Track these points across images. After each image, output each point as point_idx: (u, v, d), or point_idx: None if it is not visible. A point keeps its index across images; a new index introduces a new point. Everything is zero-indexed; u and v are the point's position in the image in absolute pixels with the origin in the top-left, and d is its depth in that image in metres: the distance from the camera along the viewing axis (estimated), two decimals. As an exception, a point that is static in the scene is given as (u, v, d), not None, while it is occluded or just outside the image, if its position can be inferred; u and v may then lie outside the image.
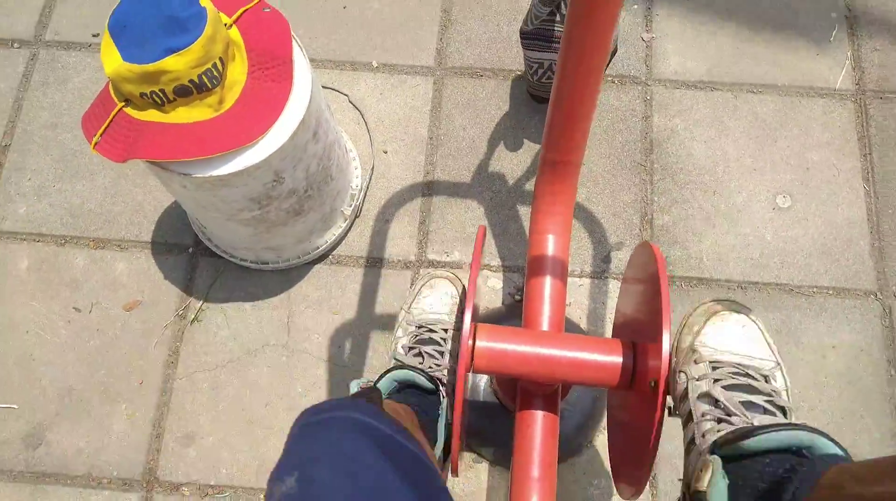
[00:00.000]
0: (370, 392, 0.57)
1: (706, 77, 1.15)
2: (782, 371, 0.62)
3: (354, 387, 0.71)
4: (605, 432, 0.93)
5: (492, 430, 0.91)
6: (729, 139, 1.11)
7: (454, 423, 0.63)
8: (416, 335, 0.79)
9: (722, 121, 1.12)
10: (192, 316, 1.03)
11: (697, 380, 0.58)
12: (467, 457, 0.96)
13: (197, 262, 1.07)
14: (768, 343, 0.65)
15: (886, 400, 0.96)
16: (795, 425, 0.51)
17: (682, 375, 0.60)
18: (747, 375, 0.59)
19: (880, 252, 1.03)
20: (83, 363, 1.02)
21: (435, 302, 0.84)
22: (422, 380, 0.71)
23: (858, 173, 1.08)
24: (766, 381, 0.60)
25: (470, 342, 0.64)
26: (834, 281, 1.02)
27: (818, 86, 1.14)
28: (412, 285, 0.96)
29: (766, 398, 0.57)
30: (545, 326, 0.77)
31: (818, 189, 1.07)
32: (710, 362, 0.59)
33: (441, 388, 0.73)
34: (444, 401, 0.72)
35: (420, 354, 0.76)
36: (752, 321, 0.66)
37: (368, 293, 1.04)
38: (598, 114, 1.13)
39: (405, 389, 0.74)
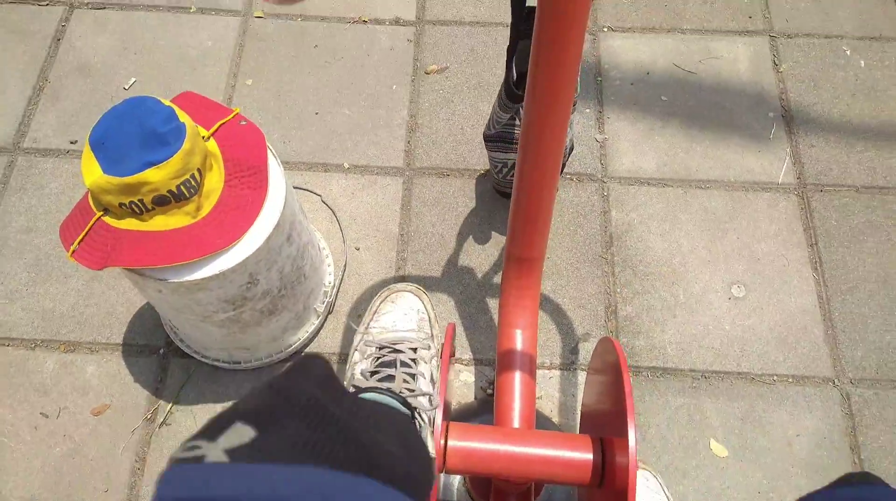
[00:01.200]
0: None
1: (657, 174, 1.22)
2: None
3: None
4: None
5: (467, 530, 0.90)
6: (682, 232, 1.17)
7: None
8: (378, 358, 0.68)
9: (675, 215, 1.18)
10: (161, 420, 1.02)
11: None
12: (443, 559, 0.94)
13: (168, 363, 1.07)
14: (666, 494, 0.81)
15: (852, 485, 0.97)
16: None
17: None
18: None
19: (834, 339, 1.08)
20: (48, 472, 0.99)
21: (398, 319, 0.74)
22: (396, 405, 0.60)
23: (807, 263, 1.14)
24: None
25: (442, 441, 0.65)
26: (792, 369, 1.05)
27: (762, 180, 1.22)
28: (370, 304, 0.86)
29: None
30: (516, 422, 0.78)
31: (770, 279, 1.13)
32: None
33: (419, 415, 0.63)
34: (425, 430, 0.62)
35: (387, 377, 0.65)
36: (654, 476, 0.82)
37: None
38: (560, 209, 1.19)
39: None
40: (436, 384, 0.69)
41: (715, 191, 1.21)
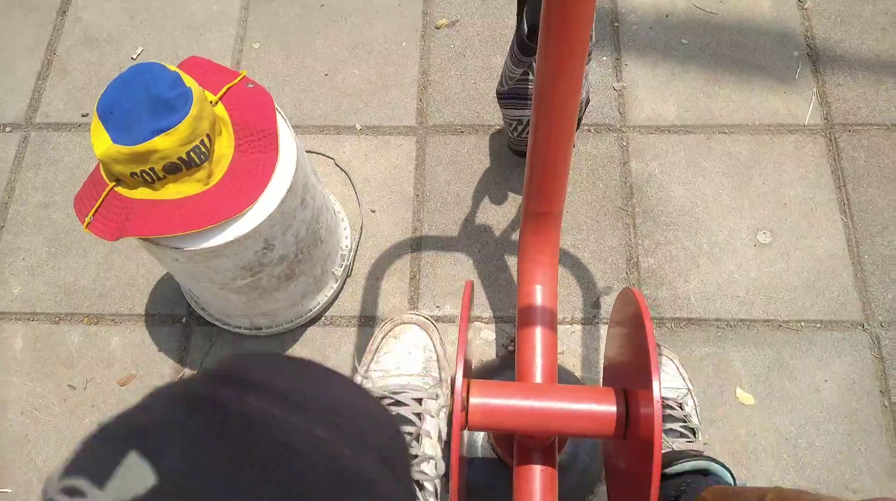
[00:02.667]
0: None
1: (678, 121, 1.18)
2: (692, 395, 0.79)
3: None
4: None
5: (492, 487, 0.91)
6: (705, 180, 1.14)
7: (452, 483, 0.62)
8: None
9: (697, 162, 1.15)
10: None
11: None
12: (471, 514, 0.95)
13: (191, 331, 1.07)
14: (681, 374, 0.84)
15: (883, 432, 0.96)
16: (698, 456, 0.67)
17: None
18: (667, 405, 0.73)
19: (863, 282, 1.05)
20: (77, 442, 1.01)
21: (402, 360, 0.67)
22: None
23: (835, 205, 1.11)
24: (681, 407, 0.75)
25: (463, 395, 0.65)
26: (821, 314, 1.03)
27: (788, 122, 1.18)
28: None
29: (681, 423, 0.71)
30: (538, 377, 0.77)
31: (797, 224, 1.10)
32: None
33: (424, 485, 0.56)
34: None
35: None
36: (669, 359, 0.86)
37: (362, 354, 1.05)
38: (578, 162, 1.16)
39: None
40: (443, 442, 0.62)
41: (739, 135, 1.17)
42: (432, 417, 0.59)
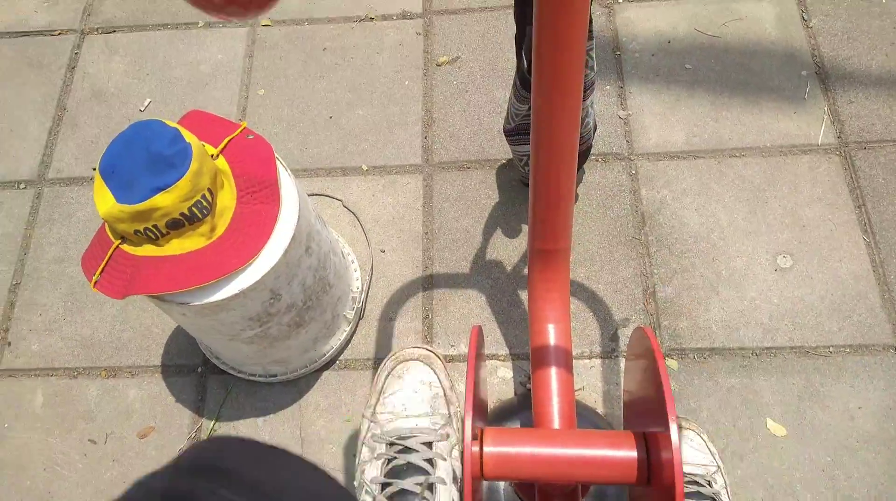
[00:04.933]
0: None
1: (686, 146, 1.17)
2: (722, 473, 0.78)
3: None
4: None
5: (515, 532, 0.88)
6: (719, 205, 1.11)
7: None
8: (389, 460, 0.58)
9: (709, 187, 1.13)
10: (205, 437, 1.02)
11: None
12: (494, 562, 0.92)
13: (206, 381, 1.07)
14: (710, 450, 0.82)
15: (924, 458, 0.92)
16: None
17: None
18: (695, 482, 0.72)
19: (892, 303, 1.01)
20: (100, 496, 1.00)
21: (408, 399, 0.65)
22: None
23: (856, 225, 1.08)
24: (710, 485, 0.73)
25: (476, 448, 0.63)
26: (849, 338, 0.99)
27: (800, 143, 1.15)
28: (374, 377, 0.76)
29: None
30: (555, 421, 0.75)
31: (818, 245, 1.07)
32: None
33: None
34: None
35: (398, 494, 0.55)
36: (696, 433, 0.84)
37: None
38: (587, 192, 1.14)
39: None
40: (459, 482, 0.58)
41: (750, 158, 1.15)
42: (444, 460, 0.57)
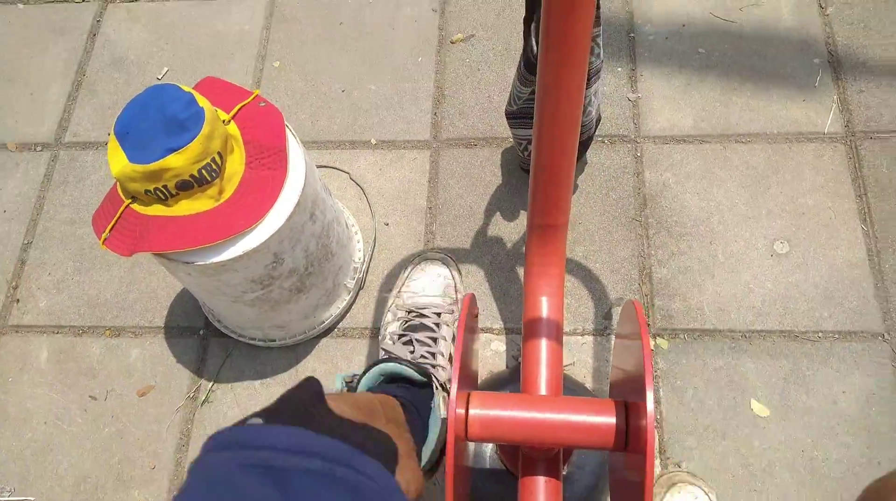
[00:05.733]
0: (308, 404, 0.42)
1: (694, 131, 1.17)
2: None
3: (339, 382, 0.70)
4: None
5: (501, 498, 0.91)
6: (721, 190, 1.12)
7: (447, 492, 0.63)
8: (407, 321, 0.78)
9: (713, 172, 1.14)
10: (203, 398, 1.06)
11: None
12: (481, 526, 0.95)
13: (207, 343, 1.10)
14: None
15: (906, 444, 0.93)
16: None
17: None
18: None
19: (885, 293, 1.02)
20: (98, 451, 1.04)
21: (427, 285, 0.84)
22: (411, 373, 0.67)
23: (855, 215, 1.08)
24: None
25: (461, 410, 0.65)
26: (839, 325, 1.01)
27: (807, 131, 1.16)
28: (402, 270, 0.96)
29: None
30: (542, 389, 0.77)
31: (816, 233, 1.07)
32: None
33: (434, 380, 0.68)
34: (438, 395, 0.68)
35: (410, 341, 0.73)
36: (705, 493, 0.78)
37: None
38: (591, 173, 1.16)
39: (395, 382, 0.69)
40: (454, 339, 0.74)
41: (756, 145, 1.16)
42: (448, 326, 0.75)
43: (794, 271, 1.05)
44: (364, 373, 0.68)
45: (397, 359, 0.68)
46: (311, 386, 0.41)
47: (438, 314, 0.77)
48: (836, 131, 1.15)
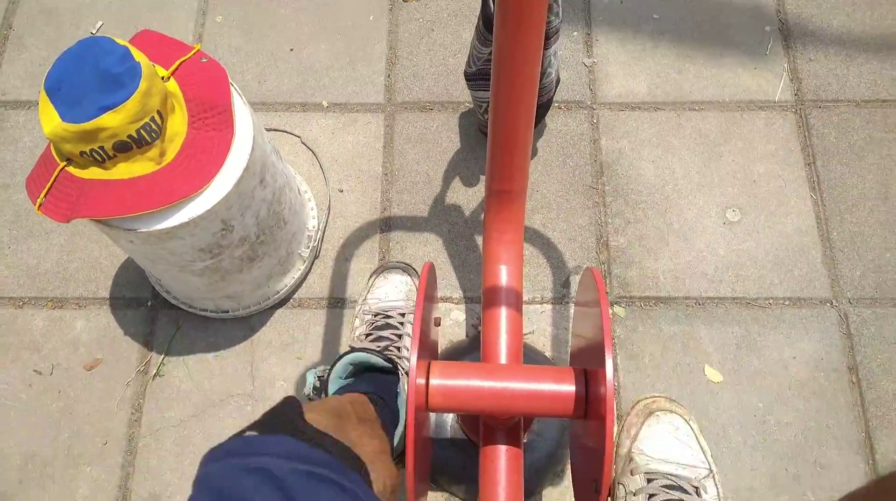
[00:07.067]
0: (292, 417, 0.49)
1: (648, 98, 1.17)
2: (714, 479, 0.62)
3: (310, 377, 0.78)
4: (575, 457, 0.93)
5: (462, 467, 0.91)
6: (675, 157, 1.13)
7: (407, 460, 0.62)
8: (373, 323, 0.84)
9: (667, 140, 1.14)
10: (154, 371, 1.02)
11: (634, 495, 0.61)
12: (440, 497, 0.95)
13: (156, 315, 1.06)
14: (701, 447, 0.66)
15: (850, 408, 0.97)
16: None
17: (621, 487, 0.63)
18: (680, 487, 0.59)
19: (832, 260, 1.05)
20: (46, 427, 0.99)
21: (390, 291, 0.91)
22: (377, 360, 0.73)
23: (804, 182, 1.11)
24: (698, 493, 0.60)
25: (421, 380, 0.64)
26: (789, 291, 1.03)
27: (758, 99, 1.17)
28: (367, 281, 1.01)
29: None
30: (503, 358, 0.77)
31: (766, 201, 1.09)
32: (646, 473, 0.62)
33: (399, 368, 0.75)
34: (404, 380, 0.74)
35: (378, 338, 0.80)
36: (686, 421, 0.68)
37: (332, 335, 1.04)
38: (549, 139, 1.14)
39: (361, 373, 0.76)
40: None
41: (709, 112, 1.16)
42: (411, 323, 0.81)
43: (745, 238, 1.07)
44: (334, 364, 0.73)
45: (364, 349, 0.73)
46: (292, 403, 0.50)
47: (403, 315, 0.84)
48: (786, 100, 1.17)
